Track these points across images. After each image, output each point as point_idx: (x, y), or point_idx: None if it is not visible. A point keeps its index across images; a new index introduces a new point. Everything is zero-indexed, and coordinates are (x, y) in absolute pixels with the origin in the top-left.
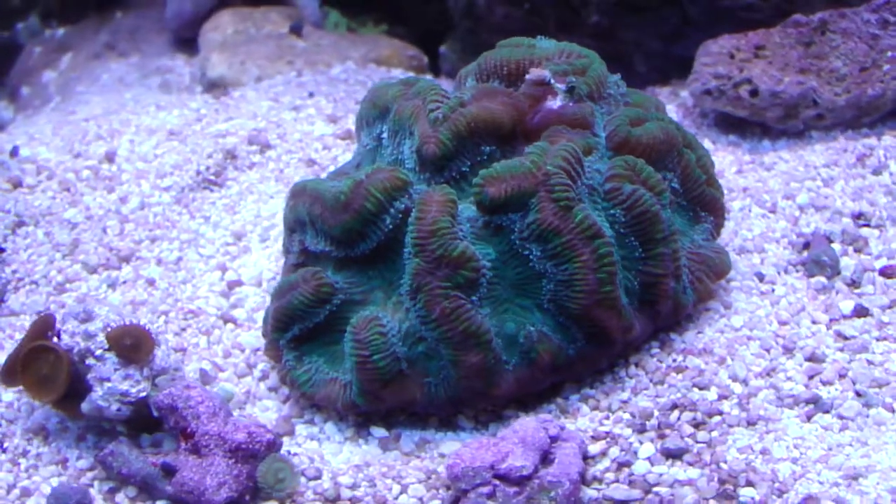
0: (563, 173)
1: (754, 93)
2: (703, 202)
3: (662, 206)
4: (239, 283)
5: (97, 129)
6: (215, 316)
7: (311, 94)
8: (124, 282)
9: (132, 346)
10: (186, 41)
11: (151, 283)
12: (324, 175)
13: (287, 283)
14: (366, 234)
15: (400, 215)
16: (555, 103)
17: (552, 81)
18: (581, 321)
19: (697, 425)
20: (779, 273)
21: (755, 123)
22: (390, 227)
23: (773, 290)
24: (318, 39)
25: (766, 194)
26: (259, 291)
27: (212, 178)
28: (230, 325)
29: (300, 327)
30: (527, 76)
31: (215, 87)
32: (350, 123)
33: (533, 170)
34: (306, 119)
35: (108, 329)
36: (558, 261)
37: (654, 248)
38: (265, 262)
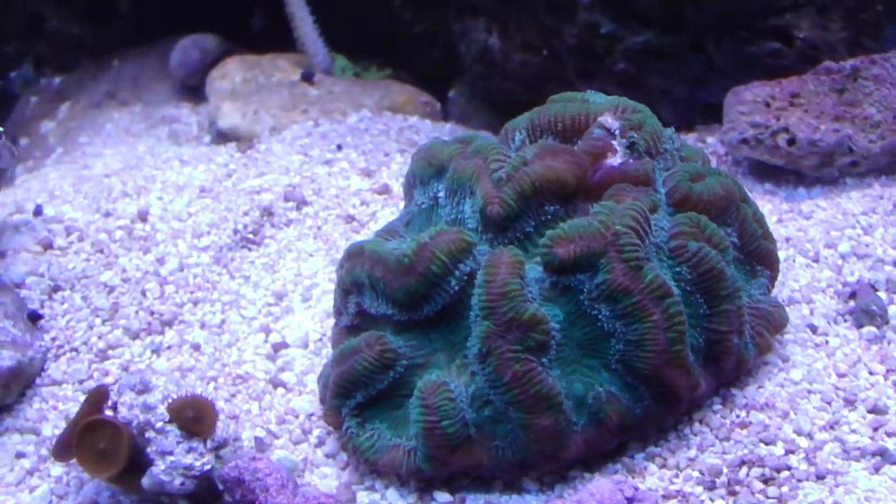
0: (632, 233)
1: (792, 141)
2: (760, 256)
3: (727, 263)
4: (284, 345)
5: (122, 185)
6: (264, 381)
7: (339, 147)
8: (169, 347)
9: (195, 418)
10: (190, 89)
11: (197, 347)
12: (363, 234)
13: (349, 348)
14: (430, 297)
15: (465, 277)
16: (615, 160)
17: (617, 134)
18: (650, 381)
19: (766, 481)
20: (829, 323)
21: (790, 171)
22: (456, 289)
23: (826, 342)
24: (330, 87)
25: (808, 243)
26: (306, 353)
27: (250, 236)
28: (280, 390)
29: (364, 394)
30: (599, 118)
31: (226, 137)
32: (385, 177)
33: (602, 230)
34: (340, 174)
35: (168, 400)
36: (628, 321)
37: (719, 305)
38: (309, 322)
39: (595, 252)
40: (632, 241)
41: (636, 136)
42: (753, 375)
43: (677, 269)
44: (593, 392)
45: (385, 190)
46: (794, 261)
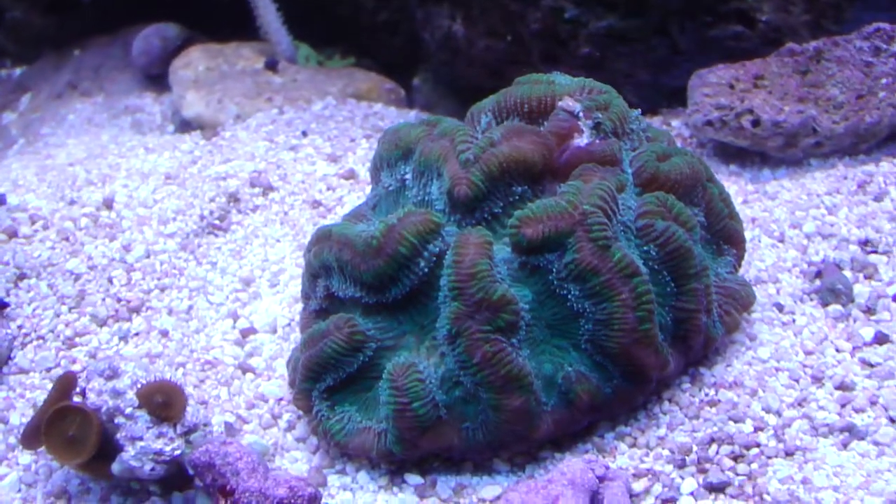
0: (599, 212)
1: (756, 123)
2: (727, 235)
3: (694, 242)
4: (252, 330)
5: (86, 174)
6: (233, 366)
7: (304, 133)
8: (136, 333)
9: (164, 403)
10: (153, 79)
11: (165, 334)
12: (330, 219)
13: (318, 331)
14: (398, 279)
15: (434, 259)
16: (582, 140)
17: (580, 116)
18: (619, 360)
19: (736, 458)
20: (795, 302)
21: (754, 153)
22: (425, 270)
23: (793, 321)
24: (294, 75)
25: (774, 224)
26: (274, 339)
27: (216, 222)
28: (249, 375)
29: (333, 377)
30: (559, 103)
31: (190, 126)
32: (351, 163)
33: (569, 209)
34: (306, 159)
35: (137, 386)
36: (597, 300)
37: (686, 284)
38: (277, 308)
39: (563, 232)
40: (600, 221)
41: (602, 116)
42: (721, 354)
43: (645, 247)
44: (563, 372)
45: (351, 175)
46: (759, 241)
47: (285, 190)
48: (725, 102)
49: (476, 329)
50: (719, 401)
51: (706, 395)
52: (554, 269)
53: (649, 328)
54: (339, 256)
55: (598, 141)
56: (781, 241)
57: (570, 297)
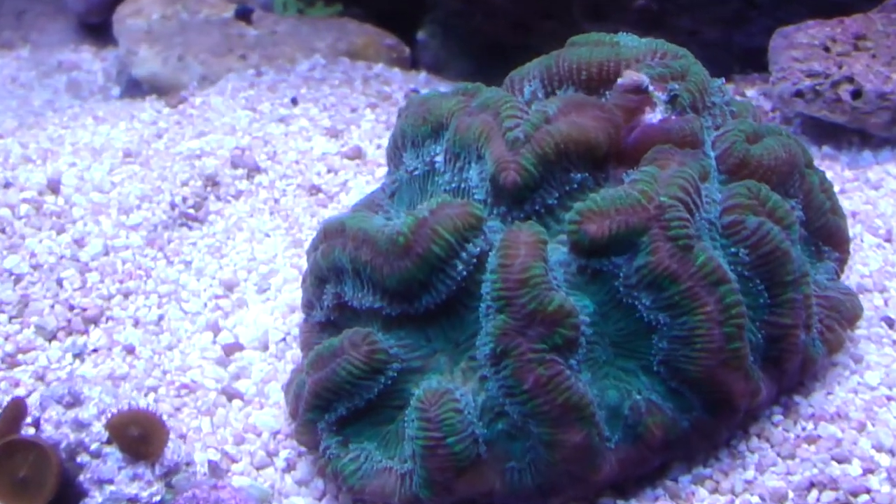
0: (680, 206)
1: (857, 94)
2: (828, 234)
3: (792, 243)
4: (238, 346)
5: (21, 149)
6: (215, 391)
7: (294, 101)
8: (95, 350)
9: (140, 437)
10: (92, 28)
11: (130, 350)
12: (332, 209)
13: (329, 349)
14: (431, 285)
15: (474, 261)
16: (654, 116)
17: (651, 89)
18: (701, 386)
19: None
20: None
21: (853, 130)
22: (463, 275)
23: None
24: (272, 26)
25: (878, 219)
26: (266, 357)
27: (190, 211)
28: (236, 402)
29: (347, 406)
30: (619, 81)
31: (141, 88)
32: (356, 138)
33: (643, 202)
34: (300, 134)
35: (106, 416)
36: (675, 312)
37: (782, 294)
38: (268, 319)
39: (635, 229)
40: (680, 216)
41: (679, 87)
42: (820, 379)
43: (732, 249)
44: (630, 401)
45: (357, 154)
46: (861, 240)
47: (275, 172)
48: (819, 68)
49: (527, 348)
50: (819, 436)
51: (803, 429)
52: (621, 275)
53: (739, 347)
54: (354, 257)
55: (674, 117)
56: (888, 240)
57: (640, 308)
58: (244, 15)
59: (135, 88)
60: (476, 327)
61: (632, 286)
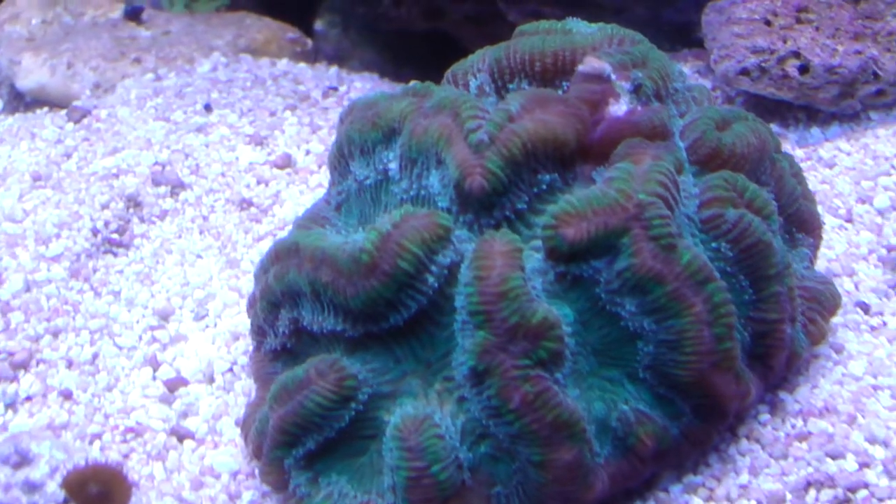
0: (660, 202)
1: (805, 69)
2: (801, 220)
3: (773, 233)
4: (181, 381)
5: None
6: (164, 432)
7: (208, 108)
8: (28, 398)
9: (101, 495)
10: None
11: (67, 395)
12: (266, 223)
13: (294, 380)
14: (399, 304)
15: (445, 273)
16: (619, 108)
17: (613, 78)
18: (691, 390)
19: None
20: (881, 299)
21: (798, 107)
22: (435, 287)
23: (884, 323)
24: (164, 25)
25: (837, 199)
26: (213, 390)
27: (114, 236)
28: (189, 443)
29: (316, 440)
30: (579, 68)
31: (24, 100)
32: (282, 145)
33: (621, 201)
34: (221, 143)
35: (60, 474)
36: (661, 316)
37: (767, 288)
38: (210, 348)
39: (614, 230)
40: (661, 214)
41: (641, 75)
42: (804, 373)
43: (714, 244)
44: (617, 412)
45: (286, 162)
46: (823, 222)
47: (200, 187)
48: (764, 44)
49: (511, 364)
50: (810, 433)
51: (793, 426)
52: (602, 280)
53: (730, 348)
54: (313, 278)
55: (640, 108)
56: (849, 220)
57: (624, 314)
58: (134, 15)
59: (18, 101)
60: (450, 345)
61: (614, 291)
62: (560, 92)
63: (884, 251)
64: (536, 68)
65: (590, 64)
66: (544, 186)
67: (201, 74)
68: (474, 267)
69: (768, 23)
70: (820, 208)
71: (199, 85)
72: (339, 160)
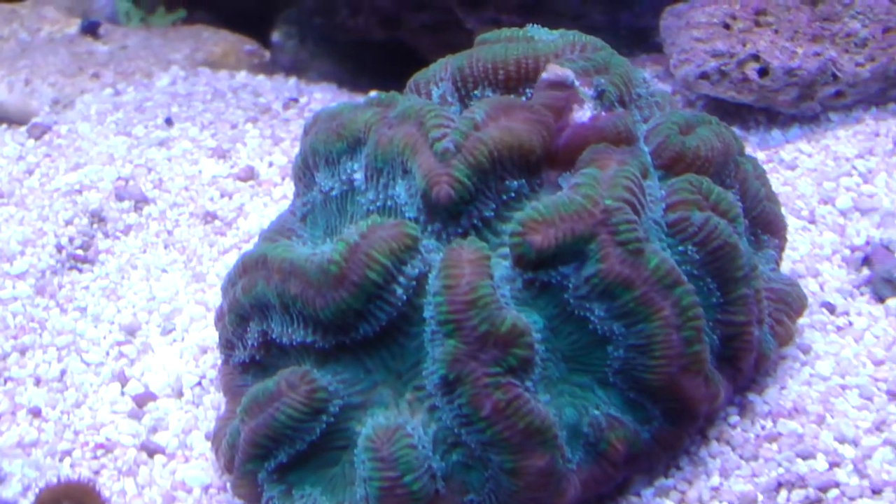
0: (626, 207)
1: (764, 72)
2: (766, 222)
3: (739, 236)
4: (150, 396)
5: None
6: (134, 447)
7: (169, 122)
8: None
9: None
10: None
11: (36, 413)
12: (231, 236)
13: (264, 393)
14: (369, 315)
15: (413, 283)
16: (583, 114)
17: (577, 84)
18: (661, 394)
19: None
20: (846, 299)
21: (759, 109)
22: (403, 299)
23: (850, 323)
24: (121, 40)
25: (799, 200)
26: (182, 405)
27: (78, 252)
28: (159, 458)
29: (288, 452)
30: (543, 76)
31: None
32: (245, 158)
33: (588, 206)
34: (184, 157)
35: (33, 492)
36: (629, 321)
37: (735, 290)
38: (178, 362)
39: (581, 236)
40: (627, 219)
41: (604, 81)
42: (772, 374)
43: (680, 248)
44: (588, 417)
45: (250, 175)
46: (786, 224)
47: (164, 201)
48: (723, 48)
49: (482, 372)
50: (780, 434)
51: (762, 427)
52: (571, 286)
53: (699, 351)
54: (282, 290)
55: (604, 114)
56: (812, 221)
57: (593, 319)
58: (91, 29)
59: None
60: (420, 355)
61: (582, 297)
62: (524, 99)
63: (847, 251)
64: (500, 76)
65: (553, 71)
66: (511, 193)
67: (160, 88)
68: (443, 276)
69: (727, 26)
70: (783, 210)
71: (159, 99)
72: (304, 171)
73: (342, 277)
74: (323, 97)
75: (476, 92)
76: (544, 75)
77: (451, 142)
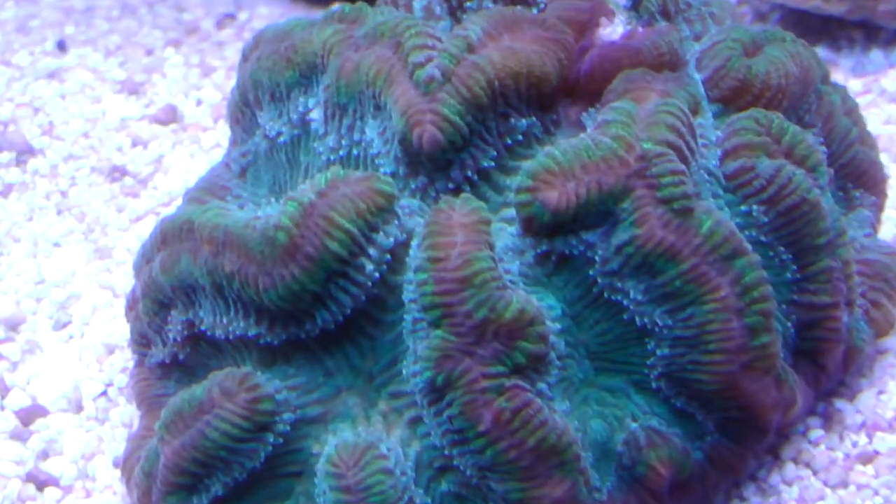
0: (671, 153)
1: None
2: (858, 172)
3: (822, 190)
4: (38, 410)
5: None
6: (18, 478)
7: (61, 46)
8: None
9: None
10: None
11: None
12: (147, 198)
13: (191, 402)
14: (327, 298)
15: (387, 257)
16: (614, 31)
17: None
18: (716, 401)
19: None
20: None
21: (854, 24)
22: (375, 277)
23: None
24: None
25: None
26: (82, 422)
27: None
28: (51, 492)
29: (224, 482)
30: None
31: None
32: (165, 92)
33: (620, 152)
34: (82, 92)
35: None
36: (676, 304)
37: (815, 263)
38: (76, 366)
39: (611, 192)
40: (673, 168)
41: None
42: (867, 374)
43: (743, 207)
44: (623, 432)
45: (171, 116)
46: (887, 175)
47: (56, 152)
48: None
49: (480, 373)
50: (877, 453)
51: (854, 445)
52: (598, 259)
53: (767, 343)
54: (213, 267)
55: (641, 29)
56: None
57: (627, 303)
58: None
59: None
60: (396, 351)
61: (613, 273)
62: (535, 10)
63: None
64: None
65: None
66: (518, 136)
67: (50, 2)
68: (428, 245)
69: None
70: (884, 157)
71: (48, 16)
72: (243, 110)
73: (293, 249)
74: (270, 12)
75: (472, 1)
76: None
77: (437, 68)
